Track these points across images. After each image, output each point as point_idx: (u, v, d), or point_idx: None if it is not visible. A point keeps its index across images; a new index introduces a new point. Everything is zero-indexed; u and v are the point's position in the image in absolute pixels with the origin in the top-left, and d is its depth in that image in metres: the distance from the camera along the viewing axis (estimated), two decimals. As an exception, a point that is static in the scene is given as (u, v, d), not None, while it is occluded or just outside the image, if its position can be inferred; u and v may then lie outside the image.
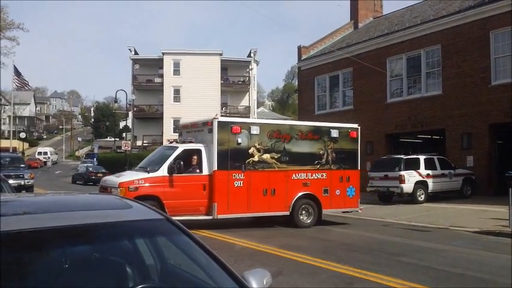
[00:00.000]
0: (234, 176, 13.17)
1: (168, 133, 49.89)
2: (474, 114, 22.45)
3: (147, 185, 12.53)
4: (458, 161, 22.14)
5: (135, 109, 56.78)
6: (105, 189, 12.85)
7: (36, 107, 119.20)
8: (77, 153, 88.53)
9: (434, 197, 20.55)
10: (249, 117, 51.13)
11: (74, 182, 41.12)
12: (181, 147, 13.19)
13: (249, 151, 13.42)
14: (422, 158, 20.68)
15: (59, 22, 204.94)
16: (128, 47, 57.67)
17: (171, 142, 14.50)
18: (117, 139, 57.42)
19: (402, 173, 19.71)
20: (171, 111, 53.42)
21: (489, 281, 7.59)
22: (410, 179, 19.77)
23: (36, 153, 72.40)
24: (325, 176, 14.55)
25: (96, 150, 63.30)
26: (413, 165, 20.21)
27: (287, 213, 13.96)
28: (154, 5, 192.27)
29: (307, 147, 14.40)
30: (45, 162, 65.63)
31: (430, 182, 20.23)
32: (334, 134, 14.83)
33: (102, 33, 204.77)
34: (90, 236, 2.46)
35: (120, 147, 49.44)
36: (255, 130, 13.57)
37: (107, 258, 2.59)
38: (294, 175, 14.04)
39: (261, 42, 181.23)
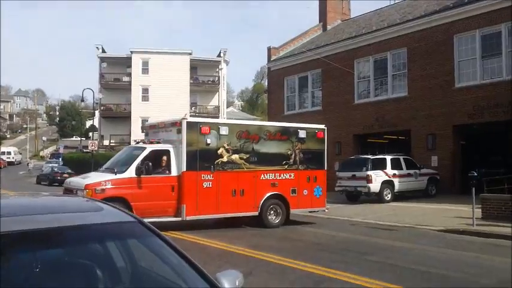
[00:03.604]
0: (203, 176, 13.07)
1: (137, 132, 48.83)
2: (438, 115, 22.99)
3: (114, 186, 12.22)
4: (423, 161, 22.62)
5: (102, 108, 55.85)
6: (70, 191, 12.43)
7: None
8: (41, 153, 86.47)
9: (400, 197, 20.93)
10: (218, 117, 50.96)
11: (39, 183, 40.14)
12: (150, 148, 12.97)
13: (218, 152, 13.34)
14: (388, 158, 21.05)
15: (23, 18, 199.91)
16: (96, 45, 56.79)
17: (138, 142, 14.19)
18: (84, 139, 56.44)
19: (369, 172, 20.02)
20: (139, 111, 52.77)
21: (454, 278, 7.80)
22: (377, 178, 20.10)
23: (-1, 153, 70.48)
24: (293, 176, 14.64)
25: (61, 150, 61.74)
26: (380, 165, 20.56)
27: (256, 213, 13.98)
28: (123, 3, 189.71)
29: (275, 148, 14.45)
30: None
31: (396, 181, 20.62)
32: (302, 134, 14.92)
33: (68, 30, 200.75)
34: (61, 239, 2.43)
35: (86, 147, 48.54)
36: (224, 130, 13.50)
37: (78, 261, 2.56)
38: (262, 175, 14.09)
39: (230, 43, 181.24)
